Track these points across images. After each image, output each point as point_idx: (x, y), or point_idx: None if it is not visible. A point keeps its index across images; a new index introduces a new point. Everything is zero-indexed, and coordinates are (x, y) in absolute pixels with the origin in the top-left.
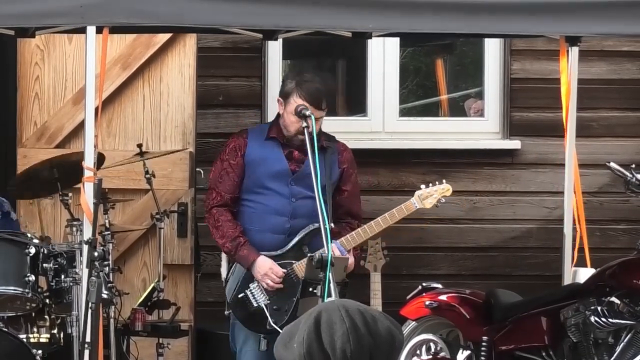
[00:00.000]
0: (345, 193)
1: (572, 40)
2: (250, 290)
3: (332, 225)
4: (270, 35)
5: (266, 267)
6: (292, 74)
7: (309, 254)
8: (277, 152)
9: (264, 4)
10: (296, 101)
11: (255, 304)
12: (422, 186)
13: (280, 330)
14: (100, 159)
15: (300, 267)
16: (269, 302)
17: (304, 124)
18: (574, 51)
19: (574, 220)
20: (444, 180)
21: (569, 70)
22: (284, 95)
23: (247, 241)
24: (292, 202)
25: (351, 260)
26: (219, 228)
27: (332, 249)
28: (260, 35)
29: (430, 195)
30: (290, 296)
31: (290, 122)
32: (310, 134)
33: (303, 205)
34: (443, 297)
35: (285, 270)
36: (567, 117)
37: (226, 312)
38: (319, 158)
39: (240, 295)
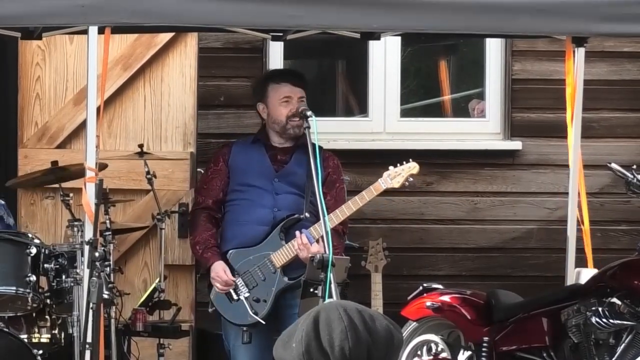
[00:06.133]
0: (327, 196)
1: (578, 41)
2: None
3: (307, 215)
4: (279, 35)
5: (213, 273)
6: (256, 79)
7: (287, 241)
8: (261, 155)
9: (267, 4)
10: (276, 88)
11: (236, 297)
12: (390, 167)
13: (261, 321)
14: (102, 167)
15: (276, 256)
16: (249, 294)
17: (305, 125)
18: (580, 52)
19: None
20: (410, 160)
21: (575, 71)
22: (262, 95)
23: (214, 246)
24: (275, 195)
25: (316, 248)
26: (195, 229)
27: (300, 236)
28: (268, 36)
29: (398, 174)
30: (269, 286)
31: (279, 113)
32: (311, 134)
33: (286, 199)
34: (444, 298)
35: (234, 279)
36: (572, 118)
37: (210, 310)
38: (303, 159)
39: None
